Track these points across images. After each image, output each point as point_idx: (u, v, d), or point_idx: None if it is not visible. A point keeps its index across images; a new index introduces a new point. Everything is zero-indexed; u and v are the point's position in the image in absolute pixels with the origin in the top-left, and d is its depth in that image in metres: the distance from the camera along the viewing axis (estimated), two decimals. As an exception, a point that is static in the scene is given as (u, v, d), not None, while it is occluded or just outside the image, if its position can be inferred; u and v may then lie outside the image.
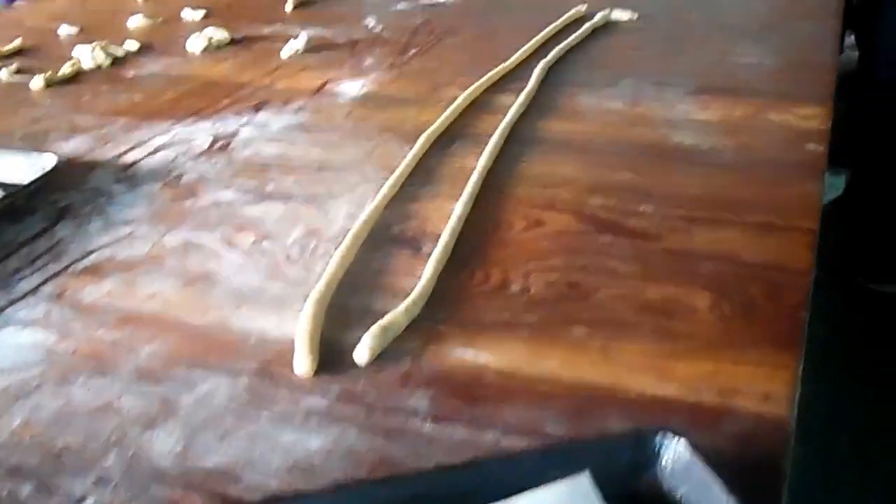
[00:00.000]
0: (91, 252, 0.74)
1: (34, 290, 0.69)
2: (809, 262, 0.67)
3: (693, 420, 0.52)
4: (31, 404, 0.56)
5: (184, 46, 1.21)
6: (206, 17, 1.35)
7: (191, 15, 1.36)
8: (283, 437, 0.53)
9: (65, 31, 1.31)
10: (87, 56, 1.16)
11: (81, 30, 1.31)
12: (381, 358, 0.59)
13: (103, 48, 1.18)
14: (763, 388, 0.55)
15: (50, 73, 1.10)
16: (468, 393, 0.56)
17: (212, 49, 1.20)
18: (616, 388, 0.56)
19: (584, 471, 0.47)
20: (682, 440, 0.47)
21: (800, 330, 0.60)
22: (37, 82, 1.09)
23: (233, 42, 1.23)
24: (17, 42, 1.23)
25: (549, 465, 0.48)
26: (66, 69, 1.13)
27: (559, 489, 0.47)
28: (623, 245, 0.71)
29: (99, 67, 1.15)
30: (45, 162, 0.83)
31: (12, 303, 0.68)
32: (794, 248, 0.69)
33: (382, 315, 0.62)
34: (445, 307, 0.64)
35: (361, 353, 0.59)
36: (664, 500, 0.47)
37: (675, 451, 0.48)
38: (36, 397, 0.57)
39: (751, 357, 0.58)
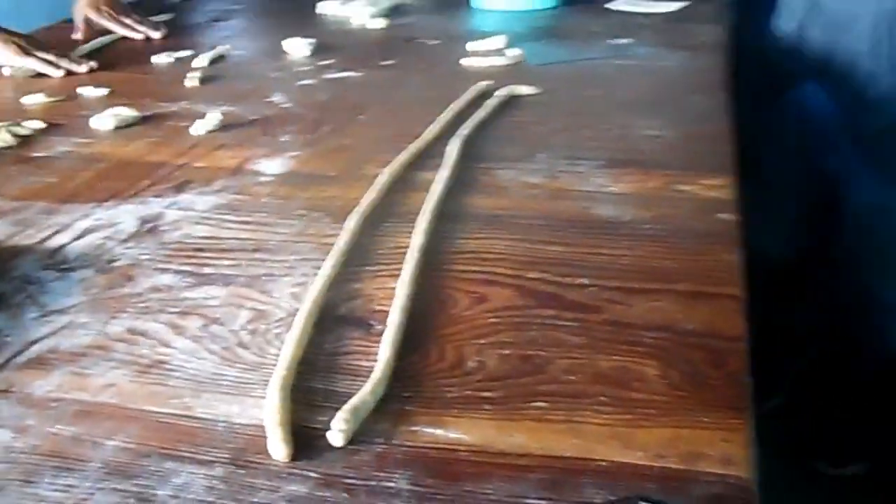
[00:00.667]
0: (33, 343, 0.73)
1: (-25, 385, 0.67)
2: (742, 328, 0.72)
3: (663, 486, 0.55)
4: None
5: (89, 125, 1.20)
6: (109, 95, 1.34)
7: (92, 93, 1.34)
8: (274, 525, 0.53)
9: (-39, 110, 1.28)
10: (-9, 137, 1.13)
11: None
12: (354, 440, 0.60)
13: (7, 128, 1.16)
14: (723, 452, 0.58)
15: (-48, 155, 1.08)
16: (445, 471, 0.57)
17: (120, 127, 1.19)
18: (586, 458, 0.58)
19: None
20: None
21: (746, 394, 0.64)
22: (-59, 164, 1.06)
23: (140, 120, 1.22)
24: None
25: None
26: (-30, 150, 1.10)
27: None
28: (567, 318, 0.74)
29: (8, 148, 1.13)
30: (-29, 251, 0.81)
31: (-46, 400, 0.65)
32: (727, 315, 0.73)
33: (346, 396, 0.63)
34: (408, 386, 0.65)
35: (336, 437, 0.60)
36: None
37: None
38: (3, 500, 0.56)
39: (705, 422, 0.61)
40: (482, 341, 0.71)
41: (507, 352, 0.70)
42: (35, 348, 0.72)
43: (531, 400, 0.64)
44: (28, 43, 1.49)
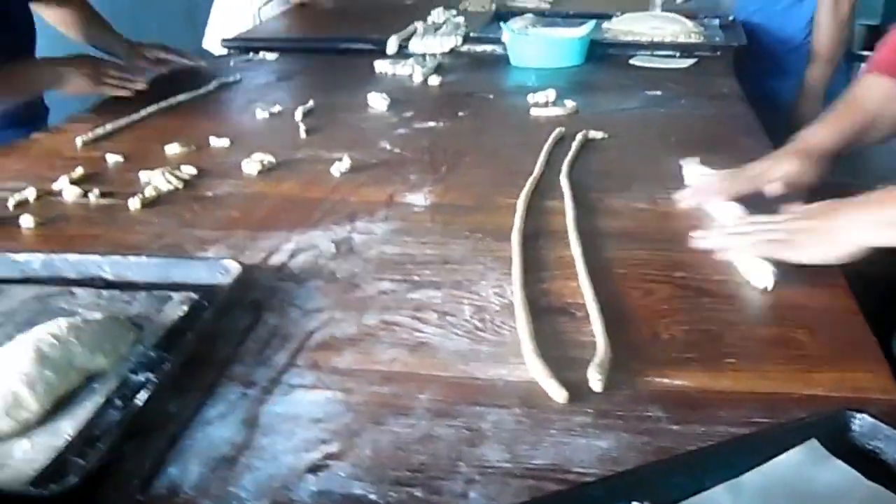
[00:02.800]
0: (312, 332, 0.92)
1: (290, 363, 0.87)
2: (854, 305, 0.95)
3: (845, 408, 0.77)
4: (369, 438, 0.75)
5: (239, 168, 1.39)
6: (230, 145, 1.54)
7: (218, 143, 1.54)
8: (579, 441, 0.74)
9: (111, 159, 1.46)
10: (161, 180, 1.33)
11: (126, 158, 1.46)
12: (607, 387, 0.81)
13: (166, 174, 1.35)
14: (880, 385, 0.81)
15: (141, 195, 1.26)
16: (686, 403, 0.79)
17: (263, 171, 1.39)
18: (783, 392, 0.80)
19: (811, 440, 0.71)
20: (864, 414, 0.72)
21: (877, 348, 0.87)
22: (134, 203, 1.25)
23: (277, 165, 1.42)
24: (80, 170, 1.38)
25: (780, 441, 0.71)
26: (150, 192, 1.29)
27: (799, 453, 0.70)
28: (722, 304, 0.96)
29: (176, 189, 1.32)
30: (228, 267, 1.00)
31: (280, 373, 0.85)
32: (842, 296, 0.97)
33: (580, 360, 0.85)
34: (625, 352, 0.87)
35: (596, 384, 0.81)
36: (863, 453, 0.72)
37: (860, 420, 0.72)
38: (369, 434, 0.76)
39: (858, 368, 0.84)
40: (664, 321, 0.93)
41: (687, 328, 0.92)
42: (316, 336, 0.92)
43: (722, 358, 0.86)
44: (97, 69, 1.72)
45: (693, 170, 1.29)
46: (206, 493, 0.69)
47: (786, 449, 0.71)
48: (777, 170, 1.18)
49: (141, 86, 1.75)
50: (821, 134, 1.24)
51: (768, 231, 1.03)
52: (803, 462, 0.70)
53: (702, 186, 1.23)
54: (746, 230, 1.06)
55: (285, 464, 0.72)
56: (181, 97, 1.81)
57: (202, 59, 2.07)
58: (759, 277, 0.98)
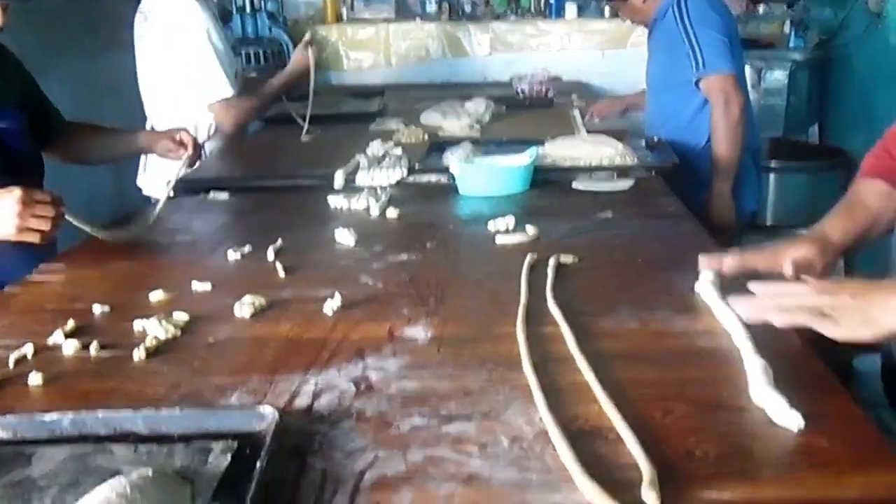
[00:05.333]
0: (363, 473, 0.95)
1: (351, 506, 0.89)
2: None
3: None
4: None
5: (231, 311, 1.42)
6: (213, 289, 1.56)
7: (201, 287, 1.57)
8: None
9: (98, 309, 1.47)
10: (159, 329, 1.34)
11: (112, 308, 1.48)
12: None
13: (161, 321, 1.37)
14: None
15: (144, 346, 1.28)
16: (740, 517, 0.85)
17: (256, 313, 1.43)
18: (822, 498, 0.87)
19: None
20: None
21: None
22: (139, 354, 1.27)
23: (267, 307, 1.46)
24: (72, 323, 1.39)
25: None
26: (150, 341, 1.31)
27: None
28: (736, 416, 1.03)
29: (175, 337, 1.34)
30: (265, 414, 1.03)
31: (345, 516, 0.88)
32: (845, 405, 1.04)
33: (627, 482, 0.90)
34: (665, 470, 0.92)
35: (654, 501, 0.86)
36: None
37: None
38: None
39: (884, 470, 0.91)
40: (692, 438, 0.99)
41: (716, 443, 0.98)
42: (368, 477, 0.95)
43: (757, 469, 0.93)
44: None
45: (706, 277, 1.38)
46: None
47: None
48: (793, 251, 1.29)
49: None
50: (831, 227, 1.36)
51: (808, 301, 1.10)
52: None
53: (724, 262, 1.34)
54: (784, 298, 1.13)
55: None
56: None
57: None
58: (787, 419, 1.01)
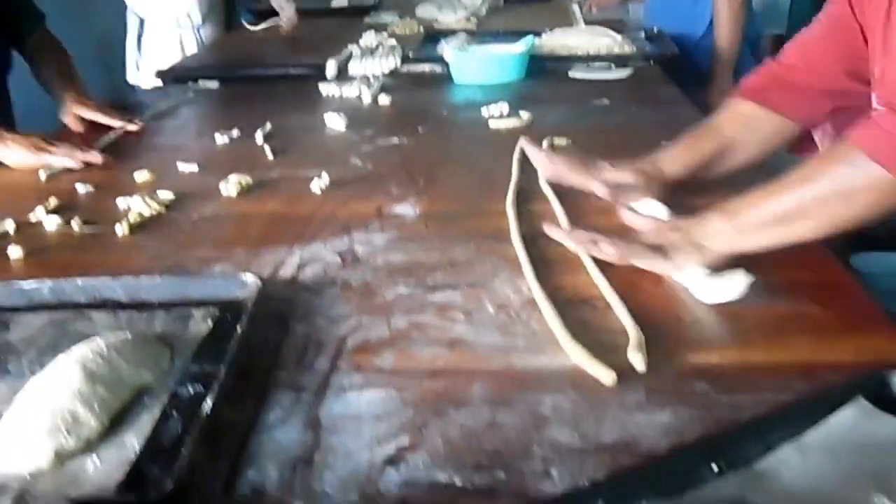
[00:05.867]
0: (345, 338, 0.94)
1: (333, 367, 0.88)
2: (848, 278, 1.01)
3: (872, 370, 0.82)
4: (436, 429, 0.77)
5: (217, 190, 1.39)
6: (200, 170, 1.53)
7: (187, 167, 1.54)
8: (640, 417, 0.77)
9: (82, 188, 1.44)
10: (142, 205, 1.32)
11: (96, 187, 1.45)
12: (649, 367, 0.85)
13: (146, 198, 1.34)
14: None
15: (126, 221, 1.26)
16: (724, 377, 0.83)
17: (243, 192, 1.40)
18: (812, 362, 0.85)
19: (857, 398, 0.76)
20: (903, 371, 0.77)
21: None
22: (122, 229, 1.24)
23: (254, 186, 1.43)
24: (53, 200, 1.36)
25: (831, 402, 0.76)
26: (134, 217, 1.28)
27: (851, 410, 0.75)
28: (731, 285, 1.01)
29: (159, 214, 1.31)
30: (247, 281, 1.00)
31: (326, 377, 0.86)
32: (834, 269, 1.02)
33: (614, 347, 0.88)
34: (654, 335, 0.90)
35: (639, 364, 0.85)
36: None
37: (900, 378, 0.77)
38: (435, 426, 0.78)
39: (875, 337, 0.89)
40: (681, 306, 0.97)
41: (705, 310, 0.96)
42: (351, 341, 0.93)
43: (747, 334, 0.91)
44: (42, 141, 1.60)
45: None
46: (293, 493, 0.70)
47: (836, 408, 0.75)
48: (612, 175, 1.23)
49: (94, 158, 1.59)
50: (668, 157, 1.28)
51: (640, 240, 1.08)
52: (856, 418, 0.74)
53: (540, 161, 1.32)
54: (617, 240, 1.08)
55: (362, 460, 0.73)
56: (132, 126, 1.79)
57: (134, 116, 1.88)
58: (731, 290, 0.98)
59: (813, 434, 0.73)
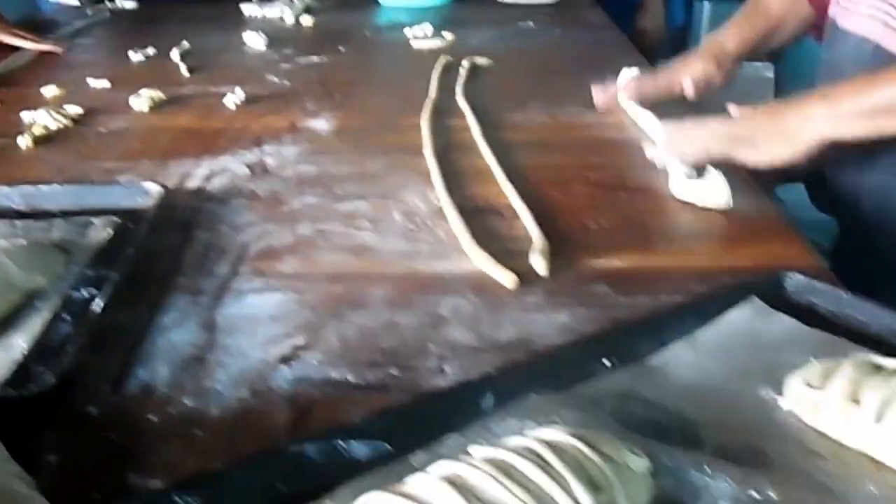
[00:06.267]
0: (248, 244, 0.92)
1: (234, 272, 0.87)
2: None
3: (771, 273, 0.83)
4: (333, 330, 0.76)
5: (127, 105, 1.36)
6: (112, 86, 1.49)
7: (97, 83, 1.49)
8: (538, 318, 0.77)
9: (-14, 102, 1.40)
10: (48, 118, 1.28)
11: (2, 102, 1.40)
12: (552, 271, 0.85)
13: (51, 112, 1.30)
14: (802, 258, 0.87)
15: (30, 133, 1.22)
16: (625, 279, 0.84)
17: (154, 107, 1.36)
18: (712, 267, 0.86)
19: (752, 297, 0.77)
20: (795, 273, 0.78)
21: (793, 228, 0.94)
22: (24, 141, 1.21)
23: (167, 102, 1.39)
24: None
25: (726, 300, 0.77)
26: (39, 129, 1.24)
27: (745, 309, 0.75)
28: (637, 196, 1.01)
29: (65, 128, 1.28)
30: (149, 190, 0.98)
31: (226, 281, 0.85)
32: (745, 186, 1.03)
33: (518, 253, 0.88)
34: (559, 242, 0.90)
35: (541, 268, 0.85)
36: (799, 307, 0.77)
37: (794, 278, 0.78)
38: (332, 327, 0.77)
39: (778, 244, 0.90)
40: (589, 213, 0.97)
41: (612, 218, 0.96)
42: (254, 247, 0.92)
43: (651, 241, 0.91)
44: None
45: (627, 75, 1.32)
46: (183, 390, 0.68)
47: (731, 307, 0.75)
48: (689, 70, 1.24)
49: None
50: (729, 37, 1.30)
51: (722, 131, 1.02)
52: (749, 317, 0.75)
53: (619, 88, 1.28)
54: (696, 132, 1.04)
55: (255, 358, 0.72)
56: (45, 46, 1.74)
57: (47, 35, 1.84)
58: (715, 195, 0.98)
59: (706, 332, 0.73)
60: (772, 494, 0.55)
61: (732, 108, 1.06)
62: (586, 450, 0.53)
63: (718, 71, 1.25)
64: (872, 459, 0.59)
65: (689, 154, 1.01)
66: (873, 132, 0.96)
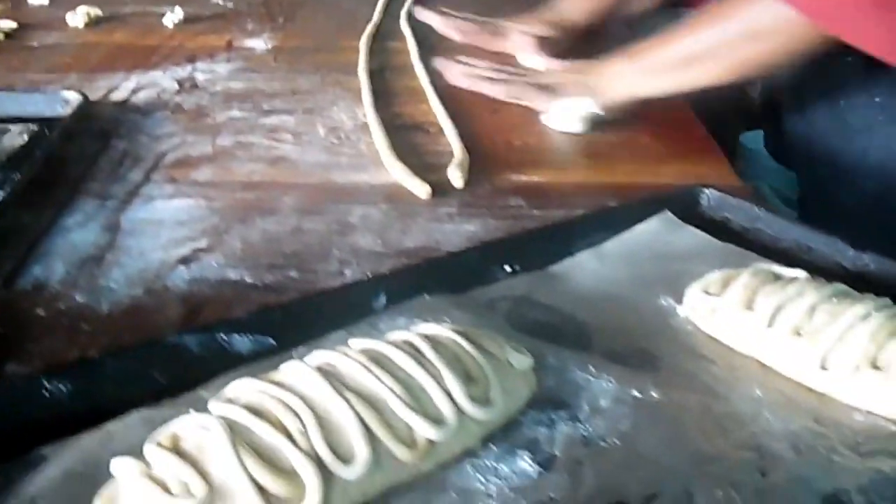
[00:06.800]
0: (165, 153, 0.90)
1: (146, 179, 0.85)
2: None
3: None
4: (238, 234, 0.74)
5: (64, 22, 1.33)
6: (51, 4, 1.46)
7: (36, 1, 1.46)
8: (447, 227, 0.76)
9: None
10: (-22, 32, 1.25)
11: (-66, 16, 1.37)
12: (467, 184, 0.84)
13: (-12, 26, 1.27)
14: (720, 175, 0.87)
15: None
16: (541, 194, 0.82)
17: (91, 23, 1.33)
18: (633, 183, 0.85)
19: (664, 211, 0.76)
20: (712, 188, 0.78)
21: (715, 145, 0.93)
22: (-51, 52, 1.18)
23: (104, 19, 1.37)
24: None
25: (637, 213, 0.76)
26: (-33, 42, 1.22)
27: (655, 222, 0.75)
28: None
29: (-4, 40, 1.25)
30: (69, 98, 0.96)
31: (137, 187, 0.83)
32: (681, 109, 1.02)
33: (440, 166, 0.87)
34: (482, 158, 0.89)
35: (457, 181, 0.83)
36: (713, 222, 0.77)
37: (709, 194, 0.78)
38: (237, 231, 0.75)
39: (700, 163, 0.89)
40: (516, 132, 0.96)
41: (539, 136, 0.95)
42: (171, 156, 0.90)
43: (575, 157, 0.90)
44: None
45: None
46: (75, 287, 0.67)
47: (642, 220, 0.74)
48: (527, 28, 1.20)
49: None
50: (571, 5, 1.25)
51: (532, 79, 1.04)
52: (660, 229, 0.74)
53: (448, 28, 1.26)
54: (508, 76, 1.05)
55: (154, 259, 0.71)
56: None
57: None
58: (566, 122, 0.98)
59: (614, 242, 0.72)
60: (653, 394, 0.55)
61: (538, 60, 1.10)
62: (465, 344, 0.52)
63: (556, 41, 1.19)
64: (761, 364, 0.58)
65: (486, 86, 1.04)
66: (686, 84, 0.95)
